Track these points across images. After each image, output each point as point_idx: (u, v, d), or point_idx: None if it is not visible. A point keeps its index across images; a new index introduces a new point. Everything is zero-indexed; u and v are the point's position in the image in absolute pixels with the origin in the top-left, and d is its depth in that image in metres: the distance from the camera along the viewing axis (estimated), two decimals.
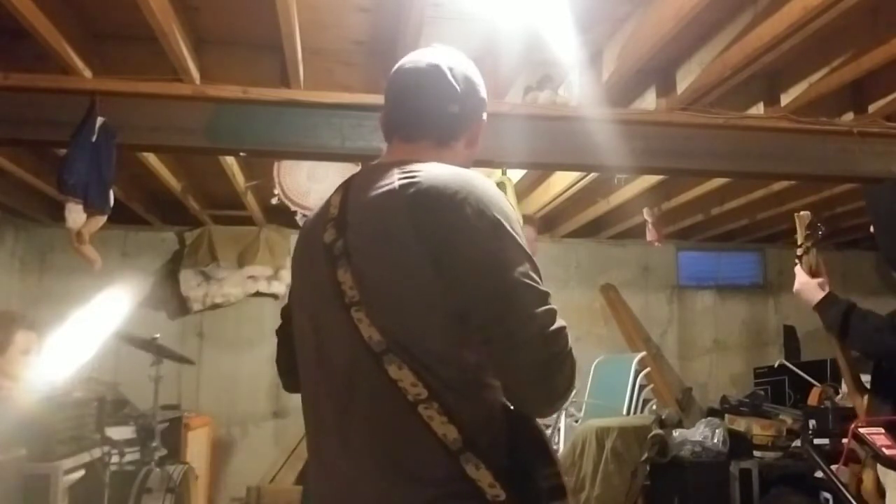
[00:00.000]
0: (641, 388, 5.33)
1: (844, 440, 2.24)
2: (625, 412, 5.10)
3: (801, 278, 2.32)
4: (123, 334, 4.20)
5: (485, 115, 1.35)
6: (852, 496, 2.27)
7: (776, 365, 6.00)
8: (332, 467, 1.18)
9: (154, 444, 3.84)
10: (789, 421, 4.76)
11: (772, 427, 4.69)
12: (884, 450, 2.09)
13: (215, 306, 5.83)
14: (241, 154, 3.60)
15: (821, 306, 2.27)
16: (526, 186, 4.96)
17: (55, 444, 2.96)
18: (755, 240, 6.58)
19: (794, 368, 5.70)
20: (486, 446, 1.09)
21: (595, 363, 5.69)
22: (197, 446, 4.91)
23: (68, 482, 2.96)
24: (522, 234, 1.15)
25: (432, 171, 1.15)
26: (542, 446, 1.16)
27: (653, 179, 4.58)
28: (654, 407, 5.33)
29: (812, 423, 4.05)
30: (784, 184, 4.57)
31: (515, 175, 4.13)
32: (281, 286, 5.84)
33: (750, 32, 2.63)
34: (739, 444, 4.55)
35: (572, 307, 6.19)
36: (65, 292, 5.37)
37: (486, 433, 1.12)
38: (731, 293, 6.79)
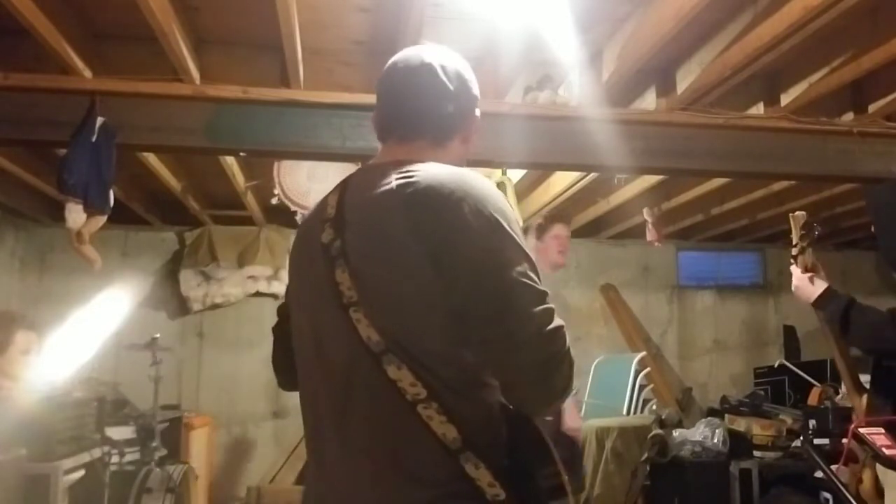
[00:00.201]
0: (641, 388, 5.33)
1: (844, 440, 2.24)
2: (625, 412, 5.11)
3: (798, 275, 2.33)
4: (125, 344, 4.18)
5: (478, 111, 1.35)
6: (852, 496, 2.27)
7: (776, 365, 6.00)
8: (330, 467, 1.18)
9: (154, 444, 3.85)
10: (789, 421, 4.76)
11: (772, 427, 4.69)
12: (884, 450, 2.09)
13: (215, 306, 5.83)
14: (241, 154, 3.60)
15: (820, 301, 2.27)
16: (526, 186, 4.96)
17: (55, 444, 2.96)
18: (755, 240, 6.58)
19: (794, 368, 5.70)
20: (485, 446, 1.09)
21: (595, 363, 5.69)
22: (197, 446, 4.91)
23: (68, 482, 2.96)
24: (521, 233, 1.15)
25: (430, 171, 1.15)
26: (541, 445, 1.16)
27: (653, 179, 4.58)
28: (654, 407, 5.33)
29: (812, 423, 4.06)
30: (784, 184, 4.57)
31: (515, 175, 4.13)
32: (281, 286, 5.83)
33: (750, 32, 2.63)
34: (739, 444, 4.56)
35: (572, 307, 6.19)
36: (65, 292, 5.37)
37: (485, 433, 1.12)
38: (731, 293, 6.80)
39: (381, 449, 1.11)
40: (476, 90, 1.34)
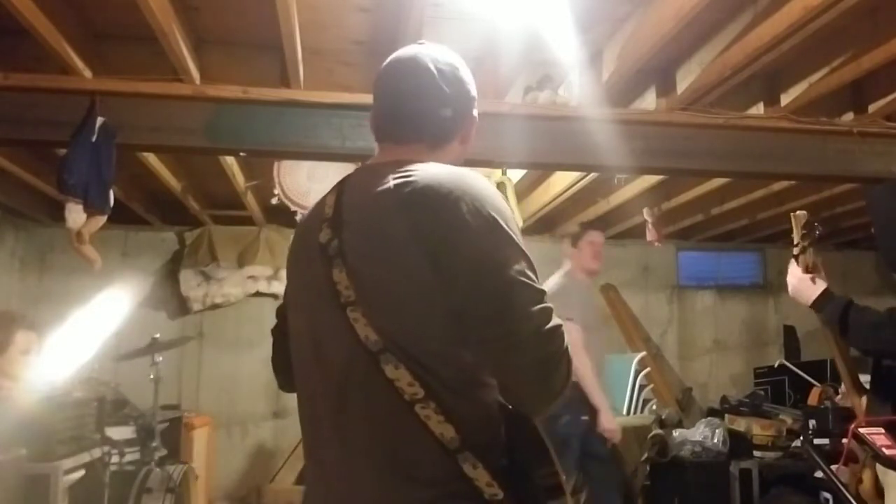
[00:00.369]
0: (641, 388, 5.34)
1: (844, 440, 2.24)
2: (625, 412, 5.11)
3: (797, 276, 2.32)
4: (123, 354, 4.18)
5: (476, 112, 1.34)
6: (852, 496, 2.27)
7: (776, 365, 6.00)
8: (329, 467, 1.17)
9: (154, 444, 3.84)
10: (789, 421, 4.76)
11: (772, 427, 4.70)
12: (884, 450, 2.09)
13: (215, 306, 5.84)
14: (241, 154, 3.60)
15: (818, 303, 2.27)
16: (526, 186, 4.97)
17: (55, 444, 2.96)
18: (755, 240, 6.58)
19: (794, 368, 5.70)
20: (483, 445, 1.09)
21: None
22: (197, 446, 4.91)
23: (68, 482, 2.96)
24: (519, 233, 1.14)
25: (428, 171, 1.15)
26: (539, 445, 1.16)
27: (653, 179, 4.58)
28: (654, 407, 5.33)
29: (812, 423, 4.05)
30: (784, 184, 4.57)
31: (515, 175, 4.13)
32: (281, 286, 5.79)
33: (750, 32, 2.63)
34: (739, 444, 4.56)
35: None
36: (65, 292, 5.37)
37: (483, 432, 1.12)
38: (731, 293, 6.80)
39: (379, 449, 1.11)
40: (473, 90, 1.33)
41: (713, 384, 6.51)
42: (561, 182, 4.67)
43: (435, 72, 1.26)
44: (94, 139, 2.88)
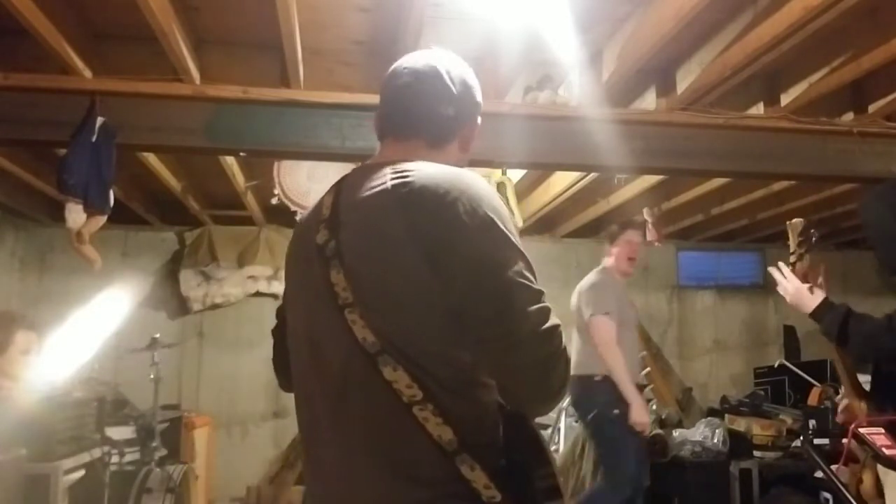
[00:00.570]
0: (641, 388, 5.32)
1: (844, 440, 2.24)
2: None
3: (795, 285, 2.31)
4: (127, 349, 4.18)
5: (479, 119, 1.35)
6: (852, 496, 2.27)
7: (776, 365, 6.00)
8: (328, 467, 1.17)
9: (154, 444, 3.84)
10: (789, 421, 4.76)
11: (772, 427, 4.70)
12: (884, 450, 2.09)
13: (215, 306, 5.84)
14: (241, 154, 3.60)
15: (817, 313, 2.26)
16: (526, 186, 4.96)
17: (55, 444, 2.96)
18: (755, 240, 6.58)
19: (794, 368, 5.70)
20: (481, 447, 1.09)
21: None
22: (197, 446, 4.91)
23: (68, 482, 2.96)
24: (517, 233, 1.14)
25: (425, 171, 1.15)
26: (537, 446, 1.16)
27: (653, 179, 4.58)
28: (654, 407, 5.32)
29: (812, 423, 4.06)
30: (784, 184, 4.57)
31: (515, 175, 4.13)
32: (281, 286, 5.78)
33: (750, 32, 2.63)
34: (739, 444, 4.56)
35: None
36: (65, 292, 5.37)
37: (481, 434, 1.12)
38: (731, 293, 6.79)
39: (377, 449, 1.11)
40: (479, 98, 1.34)
41: (713, 384, 6.51)
42: (561, 182, 4.67)
43: (443, 72, 1.27)
44: (94, 139, 2.88)
